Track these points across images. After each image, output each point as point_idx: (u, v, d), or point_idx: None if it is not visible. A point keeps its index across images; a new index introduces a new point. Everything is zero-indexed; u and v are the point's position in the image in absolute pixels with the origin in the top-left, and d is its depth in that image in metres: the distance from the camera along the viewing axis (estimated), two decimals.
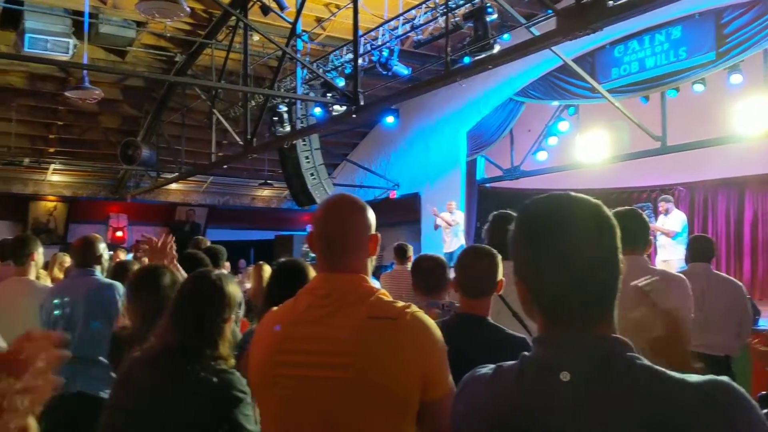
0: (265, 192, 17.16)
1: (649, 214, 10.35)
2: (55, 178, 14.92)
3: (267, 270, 6.26)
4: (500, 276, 2.56)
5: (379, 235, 1.79)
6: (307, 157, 11.29)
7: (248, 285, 8.62)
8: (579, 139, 11.74)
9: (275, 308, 1.82)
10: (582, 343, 1.14)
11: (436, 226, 11.66)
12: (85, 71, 9.28)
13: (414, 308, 1.65)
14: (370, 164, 15.36)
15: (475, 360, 1.63)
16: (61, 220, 15.64)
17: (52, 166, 14.25)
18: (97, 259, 3.61)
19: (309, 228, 16.08)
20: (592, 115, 11.65)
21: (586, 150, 11.30)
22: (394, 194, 14.74)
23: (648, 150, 10.12)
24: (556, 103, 12.14)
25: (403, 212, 15.13)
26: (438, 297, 3.24)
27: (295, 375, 1.62)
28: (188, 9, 5.52)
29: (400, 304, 1.66)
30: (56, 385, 0.90)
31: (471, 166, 13.09)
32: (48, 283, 4.28)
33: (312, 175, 11.39)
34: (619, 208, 3.28)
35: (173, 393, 2.00)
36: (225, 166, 12.35)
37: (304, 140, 11.03)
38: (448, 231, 11.34)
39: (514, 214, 3.82)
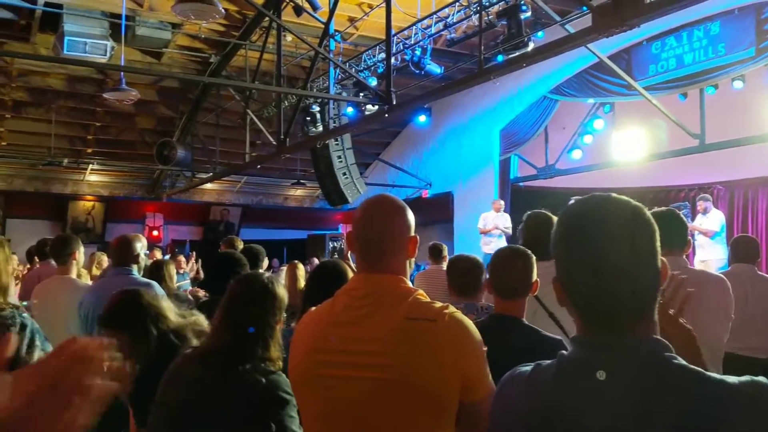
0: (298, 191, 17.27)
1: (686, 213, 10.17)
2: (93, 178, 15.20)
3: (301, 269, 6.30)
4: (535, 277, 2.53)
5: (417, 237, 1.77)
6: (339, 157, 11.32)
7: (282, 284, 8.72)
8: (615, 137, 11.59)
9: (314, 308, 1.82)
10: (618, 344, 1.14)
11: (485, 231, 11.45)
12: (122, 73, 9.41)
13: (452, 309, 1.64)
14: (402, 163, 15.34)
15: (510, 361, 1.61)
16: (99, 219, 15.93)
17: (90, 167, 14.50)
18: (135, 258, 3.66)
19: (342, 228, 16.20)
20: (629, 113, 11.48)
21: (621, 148, 11.15)
22: (427, 193, 14.70)
23: (686, 148, 9.93)
24: (591, 100, 11.98)
25: (436, 211, 15.07)
26: (474, 298, 3.21)
27: (336, 375, 1.63)
28: (223, 10, 5.57)
29: (438, 304, 1.65)
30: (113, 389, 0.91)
31: (504, 165, 12.98)
32: (88, 281, 4.35)
33: (344, 174, 11.41)
34: (655, 209, 3.22)
35: (223, 392, 2.03)
36: (258, 166, 12.43)
37: (336, 140, 11.05)
38: (495, 232, 11.15)
39: (549, 213, 3.81)
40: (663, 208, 3.00)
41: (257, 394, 2.03)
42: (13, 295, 3.22)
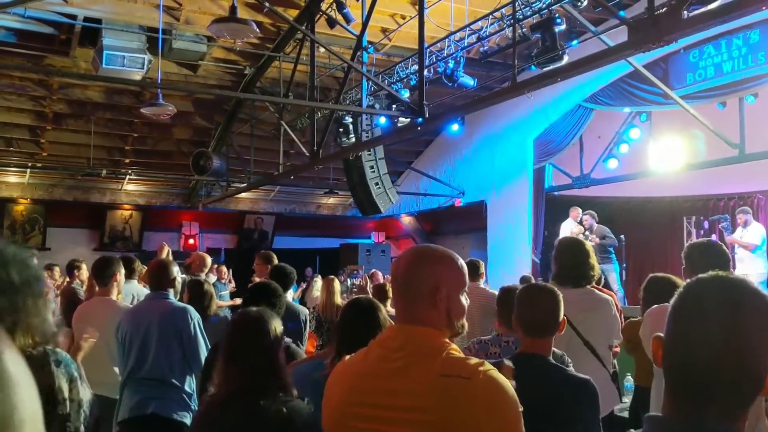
0: (331, 200, 17.34)
1: (726, 226, 9.98)
2: (131, 187, 15.46)
3: (336, 284, 6.36)
4: (562, 315, 2.49)
5: (450, 292, 1.70)
6: (371, 167, 11.34)
7: (316, 294, 8.76)
8: (652, 146, 11.42)
9: (347, 358, 1.82)
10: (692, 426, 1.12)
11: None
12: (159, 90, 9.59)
13: (487, 366, 1.61)
14: (435, 172, 15.30)
15: (537, 401, 1.60)
16: (136, 227, 16.20)
17: (128, 176, 14.76)
18: (171, 282, 3.71)
19: (375, 236, 16.18)
20: (666, 122, 11.31)
21: (659, 157, 10.98)
22: (459, 202, 14.64)
23: (726, 158, 9.75)
24: (627, 109, 11.83)
25: (469, 220, 15.03)
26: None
27: (369, 428, 1.62)
28: (257, 29, 5.63)
29: (474, 361, 1.62)
30: None
31: (539, 174, 12.87)
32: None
33: (377, 184, 11.43)
34: (696, 241, 3.17)
35: (250, 428, 2.10)
36: (291, 177, 12.53)
37: (369, 150, 11.08)
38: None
39: (580, 238, 3.79)
40: (704, 239, 2.96)
41: (281, 424, 2.10)
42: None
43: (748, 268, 9.03)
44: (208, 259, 6.31)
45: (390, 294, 5.95)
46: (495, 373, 1.61)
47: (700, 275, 1.22)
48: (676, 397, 1.16)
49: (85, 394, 2.33)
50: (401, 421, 1.58)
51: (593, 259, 3.48)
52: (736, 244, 9.36)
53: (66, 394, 2.24)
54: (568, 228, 11.22)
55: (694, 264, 2.93)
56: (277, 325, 2.27)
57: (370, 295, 6.82)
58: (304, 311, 4.75)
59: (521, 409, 1.61)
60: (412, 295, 1.70)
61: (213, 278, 9.69)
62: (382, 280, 10.22)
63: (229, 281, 10.60)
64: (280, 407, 2.11)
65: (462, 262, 1.76)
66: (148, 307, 3.35)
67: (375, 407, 1.63)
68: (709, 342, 1.12)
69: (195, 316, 3.36)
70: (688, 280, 1.24)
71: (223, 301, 8.84)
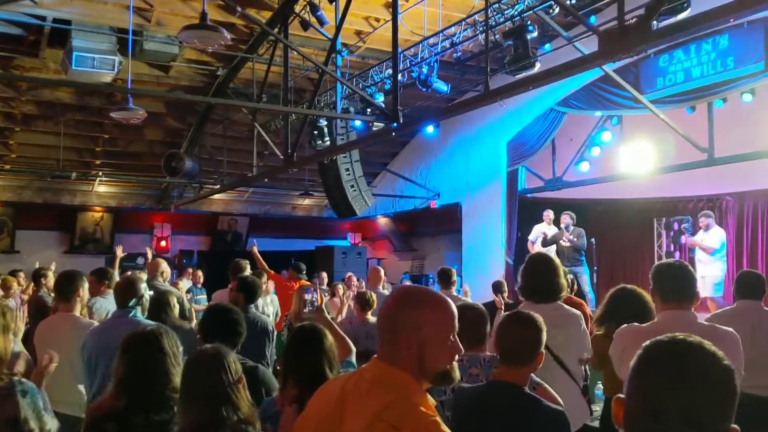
0: (306, 201, 17.27)
1: (687, 227, 10.15)
2: (102, 189, 15.25)
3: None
4: (541, 348, 2.49)
5: (422, 337, 1.65)
6: (347, 169, 11.31)
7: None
8: (622, 149, 11.54)
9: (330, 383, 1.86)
10: None
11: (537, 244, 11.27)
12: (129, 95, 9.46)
13: (432, 429, 1.53)
14: (411, 174, 15.32)
15: (507, 430, 1.60)
16: (108, 230, 16.01)
17: (98, 178, 14.56)
18: (138, 300, 3.66)
19: (351, 237, 16.18)
20: (637, 126, 11.44)
21: (629, 161, 11.11)
22: (435, 204, 14.68)
23: (694, 162, 9.90)
24: (598, 113, 11.96)
25: (444, 222, 15.10)
26: (478, 349, 3.15)
27: None
28: (227, 36, 5.58)
29: (423, 417, 1.54)
30: None
31: (512, 177, 12.95)
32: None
33: (352, 186, 11.41)
34: (664, 262, 3.21)
35: None
36: (266, 180, 12.46)
37: (344, 152, 11.06)
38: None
39: (549, 255, 3.79)
40: (672, 260, 3.00)
41: None
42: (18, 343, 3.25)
43: (707, 270, 9.28)
44: (163, 264, 6.17)
45: (374, 304, 5.94)
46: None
47: (659, 338, 1.23)
48: None
49: (53, 423, 2.30)
50: None
51: (561, 277, 3.51)
52: (697, 246, 9.57)
53: (32, 425, 2.21)
54: (540, 230, 11.31)
55: (662, 285, 2.96)
56: (234, 360, 2.26)
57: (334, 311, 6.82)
58: (264, 322, 4.71)
59: None
60: (383, 335, 1.69)
61: (188, 284, 9.60)
62: (355, 282, 10.21)
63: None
64: None
65: (451, 308, 1.71)
66: (114, 326, 3.29)
67: None
68: (669, 413, 1.14)
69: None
70: (648, 343, 1.24)
71: (201, 305, 8.75)
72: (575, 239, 10.56)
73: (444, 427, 1.54)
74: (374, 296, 6.11)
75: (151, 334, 2.54)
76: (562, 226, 10.64)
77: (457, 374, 1.69)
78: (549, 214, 11.32)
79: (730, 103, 10.03)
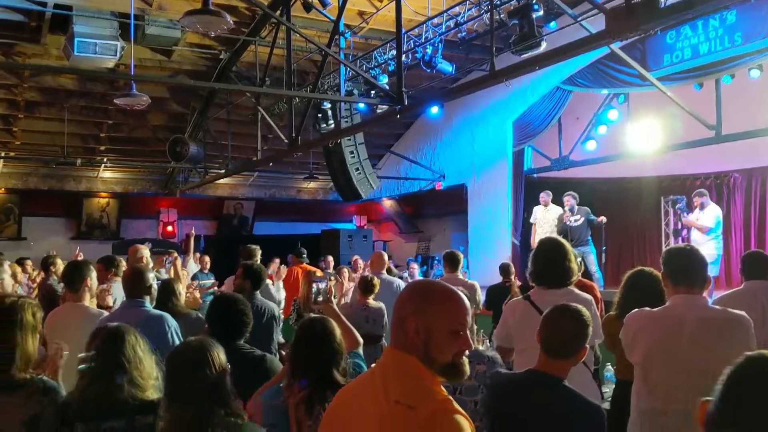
0: (311, 184, 17.24)
1: (682, 207, 10.09)
2: (107, 174, 15.26)
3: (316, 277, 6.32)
4: (586, 342, 2.48)
5: (421, 324, 1.68)
6: (351, 152, 11.26)
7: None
8: (629, 127, 11.45)
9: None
10: None
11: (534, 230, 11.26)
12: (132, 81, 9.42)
13: (445, 404, 1.57)
14: (415, 155, 15.26)
15: (547, 423, 1.59)
16: (114, 215, 16.02)
17: (103, 164, 14.55)
18: (147, 290, 3.66)
19: (356, 220, 16.17)
20: (644, 103, 11.33)
21: (637, 139, 11.03)
22: (440, 185, 14.63)
23: (702, 139, 9.80)
24: (605, 91, 11.82)
25: (450, 203, 15.05)
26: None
27: None
28: (230, 21, 5.52)
29: (435, 395, 1.59)
30: None
31: (518, 157, 12.87)
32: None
33: (357, 170, 11.36)
34: (674, 246, 3.18)
35: None
36: (270, 164, 12.43)
37: (348, 136, 11.00)
38: (550, 230, 10.88)
39: (560, 239, 3.75)
40: (683, 245, 2.98)
41: None
42: None
43: (702, 250, 9.16)
44: (142, 251, 5.92)
45: (376, 288, 5.93)
46: (449, 412, 1.56)
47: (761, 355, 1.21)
48: None
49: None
50: None
51: (571, 262, 3.48)
52: (692, 226, 9.50)
53: (53, 422, 2.22)
54: (539, 213, 11.20)
55: (673, 269, 2.93)
56: (220, 354, 2.22)
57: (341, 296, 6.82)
58: (271, 309, 4.70)
59: None
60: (395, 322, 1.73)
61: (195, 268, 9.59)
62: (361, 265, 10.18)
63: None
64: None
65: (461, 302, 1.72)
66: (122, 316, 3.28)
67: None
68: None
69: (172, 323, 3.32)
70: (747, 359, 1.21)
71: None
72: (582, 219, 10.49)
73: (456, 405, 1.58)
74: (376, 281, 6.11)
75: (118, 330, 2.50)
76: (567, 208, 10.56)
77: (466, 369, 1.70)
78: (545, 196, 11.25)
79: (738, 79, 9.91)
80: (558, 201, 11.05)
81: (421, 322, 1.66)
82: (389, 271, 8.12)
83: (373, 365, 1.81)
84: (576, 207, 10.55)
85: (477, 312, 6.29)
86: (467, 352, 1.69)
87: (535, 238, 10.96)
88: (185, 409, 2.10)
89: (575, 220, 10.50)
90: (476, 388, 3.02)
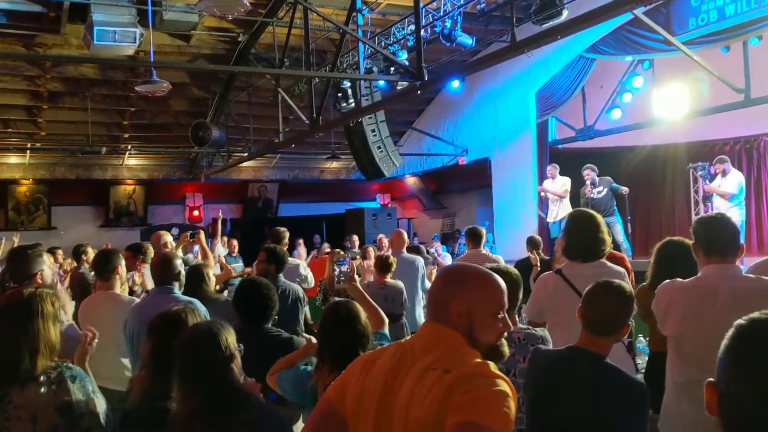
0: (334, 164, 17.24)
1: (704, 174, 9.88)
2: (132, 162, 15.40)
3: (340, 257, 6.32)
4: (630, 319, 2.45)
5: (494, 319, 1.72)
6: (373, 131, 11.20)
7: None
8: (655, 94, 11.25)
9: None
10: None
11: (544, 200, 11.21)
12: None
13: (483, 368, 1.57)
14: (437, 131, 15.15)
15: (590, 401, 1.57)
16: (141, 202, 16.20)
17: (128, 152, 14.67)
18: (176, 276, 3.69)
19: (380, 198, 16.14)
20: (669, 69, 11.10)
21: (663, 106, 10.83)
22: (463, 160, 14.53)
23: (731, 103, 9.59)
24: (629, 58, 11.58)
25: (474, 178, 14.96)
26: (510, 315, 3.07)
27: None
28: (247, 3, 5.48)
29: (474, 362, 1.60)
30: None
31: (542, 128, 12.71)
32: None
33: (379, 148, 11.31)
34: (704, 215, 3.10)
35: None
36: (292, 145, 12.43)
37: (369, 114, 10.95)
38: (555, 200, 10.85)
39: (590, 211, 3.68)
40: (713, 213, 2.90)
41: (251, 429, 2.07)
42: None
43: None
44: (165, 237, 5.86)
45: (393, 267, 5.92)
46: (486, 375, 1.54)
47: (756, 318, 1.12)
48: None
49: (101, 405, 2.34)
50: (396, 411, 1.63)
51: (604, 233, 3.43)
52: (714, 193, 9.32)
53: (84, 409, 2.25)
54: (547, 186, 11.04)
55: (704, 239, 2.87)
56: (229, 337, 2.20)
57: (367, 274, 6.81)
58: (295, 290, 4.72)
59: (507, 408, 1.50)
60: (435, 304, 1.76)
61: (224, 251, 9.66)
62: (386, 243, 10.17)
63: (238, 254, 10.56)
64: (243, 415, 2.08)
65: (500, 285, 1.74)
66: (153, 303, 3.31)
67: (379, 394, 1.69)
68: None
69: (201, 308, 3.33)
70: (741, 323, 1.13)
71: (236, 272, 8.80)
72: (605, 189, 10.33)
73: (495, 368, 1.57)
74: (392, 259, 6.10)
75: (175, 314, 2.52)
76: (588, 182, 10.41)
77: (506, 350, 1.73)
78: (551, 168, 11.10)
79: (766, 40, 9.66)
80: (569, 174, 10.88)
81: (464, 306, 1.68)
82: (417, 250, 8.10)
83: (405, 338, 1.80)
84: (597, 179, 10.39)
85: None
86: (506, 334, 1.72)
87: (552, 211, 10.87)
88: (194, 393, 2.10)
89: (598, 192, 10.35)
90: None
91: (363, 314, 2.71)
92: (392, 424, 1.61)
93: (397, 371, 1.67)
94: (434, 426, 1.49)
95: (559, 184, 10.82)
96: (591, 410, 2.25)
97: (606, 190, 10.32)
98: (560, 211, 10.55)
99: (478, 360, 1.61)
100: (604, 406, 2.24)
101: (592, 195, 10.31)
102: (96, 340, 2.69)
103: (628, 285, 2.54)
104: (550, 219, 10.84)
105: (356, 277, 3.17)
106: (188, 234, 6.03)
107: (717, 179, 9.48)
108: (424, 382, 1.57)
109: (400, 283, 6.00)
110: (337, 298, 3.23)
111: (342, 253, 4.14)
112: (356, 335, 2.62)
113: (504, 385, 1.51)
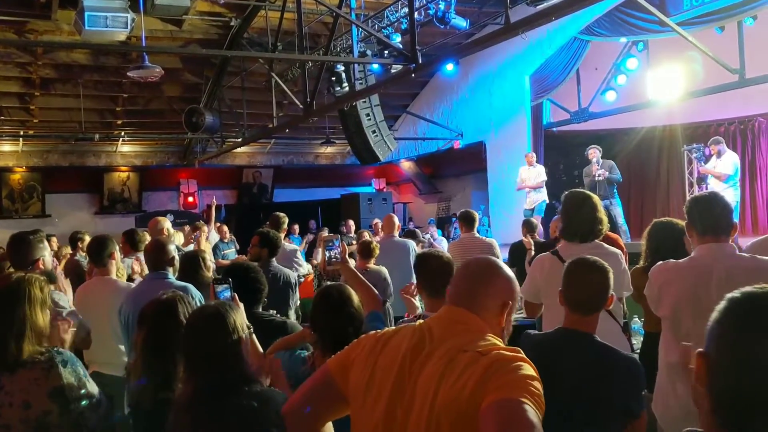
0: (328, 149, 17.19)
1: (699, 156, 9.87)
2: (126, 148, 15.33)
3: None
4: (611, 291, 2.46)
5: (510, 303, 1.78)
6: (367, 115, 11.16)
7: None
8: (650, 75, 11.22)
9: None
10: None
11: (520, 188, 11.19)
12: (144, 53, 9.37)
13: (517, 353, 1.59)
14: (432, 114, 15.11)
15: (583, 379, 1.58)
16: (135, 189, 16.14)
17: (121, 138, 14.60)
18: (170, 261, 3.68)
19: (375, 183, 16.06)
20: (664, 50, 11.09)
21: (658, 87, 10.80)
22: (458, 144, 14.50)
23: (725, 84, 9.57)
24: (623, 39, 11.56)
25: (469, 162, 14.94)
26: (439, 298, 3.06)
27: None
28: None
29: (507, 348, 1.62)
30: None
31: (537, 111, 12.70)
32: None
33: (374, 132, 11.27)
34: (698, 194, 3.10)
35: (220, 429, 2.03)
36: (287, 130, 12.38)
37: (363, 98, 10.90)
38: (526, 189, 10.83)
39: (586, 192, 3.67)
40: (706, 192, 2.89)
41: (253, 417, 2.03)
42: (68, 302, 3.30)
43: None
44: (163, 224, 5.90)
45: (376, 252, 5.89)
46: (519, 359, 1.56)
47: (751, 291, 1.11)
48: (731, 423, 1.07)
49: (93, 389, 2.34)
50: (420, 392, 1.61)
51: (601, 213, 3.43)
52: (709, 174, 9.32)
53: (77, 393, 2.25)
54: (524, 173, 10.97)
55: (697, 219, 2.87)
56: (237, 318, 2.18)
57: (353, 264, 6.80)
58: (287, 275, 4.72)
59: (539, 390, 1.52)
60: (469, 292, 1.76)
61: (216, 238, 9.63)
62: (380, 228, 10.17)
63: (231, 240, 10.53)
64: (250, 402, 2.05)
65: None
66: (148, 289, 3.30)
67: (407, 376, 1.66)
68: None
69: (197, 294, 3.34)
70: (735, 296, 1.12)
71: (227, 260, 8.78)
72: (608, 172, 10.29)
73: (524, 355, 1.59)
74: (375, 245, 6.08)
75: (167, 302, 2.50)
76: (593, 160, 10.35)
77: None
78: (530, 156, 11.06)
79: (761, 20, 9.64)
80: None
81: (500, 299, 1.75)
82: (413, 234, 8.09)
83: (422, 321, 1.79)
84: (601, 159, 10.36)
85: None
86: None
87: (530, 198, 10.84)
88: (200, 376, 2.09)
89: (600, 174, 10.32)
90: None
91: (356, 297, 2.69)
92: (411, 406, 1.61)
93: (417, 354, 1.67)
94: (468, 407, 1.50)
95: (534, 173, 10.81)
96: (588, 390, 2.26)
97: (607, 173, 10.29)
98: (539, 196, 10.63)
99: (507, 347, 1.64)
100: (600, 384, 2.26)
101: (597, 175, 10.24)
102: (73, 329, 2.68)
103: (600, 260, 2.54)
104: (527, 206, 10.80)
105: (347, 258, 3.15)
106: (187, 230, 6.10)
107: (712, 160, 9.47)
108: (455, 364, 1.57)
109: (384, 270, 5.93)
110: (329, 283, 3.22)
111: (331, 235, 4.13)
112: (348, 318, 2.61)
113: (532, 370, 1.55)
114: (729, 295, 1.13)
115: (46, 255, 3.46)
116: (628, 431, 2.39)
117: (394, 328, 1.86)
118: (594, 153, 10.28)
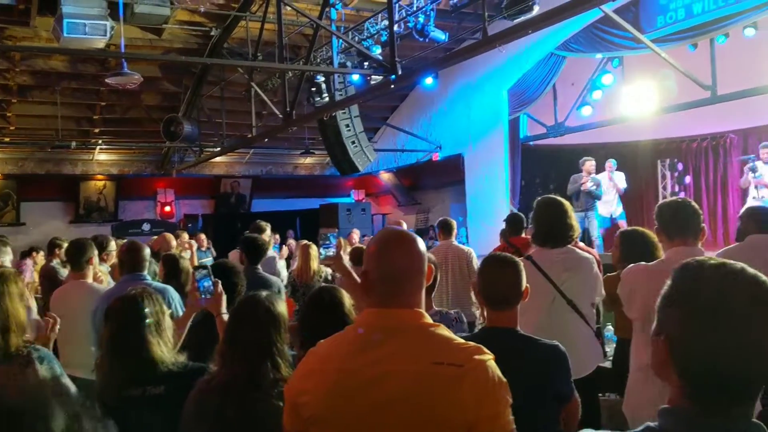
0: (308, 160, 17.19)
1: (753, 167, 9.85)
2: (102, 157, 15.21)
3: (313, 250, 6.35)
4: (525, 284, 2.50)
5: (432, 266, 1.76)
6: (347, 125, 11.23)
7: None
8: (625, 91, 11.40)
9: (323, 342, 1.74)
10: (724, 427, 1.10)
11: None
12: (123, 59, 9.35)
13: (484, 354, 1.59)
14: (411, 127, 15.21)
15: (511, 372, 1.62)
16: (111, 197, 16.01)
17: (98, 146, 14.50)
18: (146, 264, 3.68)
19: (354, 194, 15.96)
20: (638, 66, 11.26)
21: (632, 103, 10.98)
22: (437, 156, 14.61)
23: (698, 100, 9.77)
24: (599, 55, 11.75)
25: (447, 174, 15.04)
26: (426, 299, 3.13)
27: (359, 413, 1.58)
28: None
29: (467, 345, 1.61)
30: None
31: (514, 125, 12.84)
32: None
33: (353, 143, 11.34)
34: (666, 200, 3.19)
35: (245, 422, 2.05)
36: (266, 139, 12.39)
37: (343, 109, 10.96)
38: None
39: (560, 198, 3.74)
40: (674, 198, 2.98)
41: (277, 419, 2.01)
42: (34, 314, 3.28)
43: None
44: (173, 241, 6.24)
45: None
46: (489, 361, 1.59)
47: (705, 266, 1.15)
48: (701, 399, 1.11)
49: (70, 386, 2.34)
50: (389, 406, 1.55)
51: (572, 219, 3.50)
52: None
53: (53, 389, 2.25)
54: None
55: (666, 223, 2.95)
56: (284, 312, 2.21)
57: (347, 261, 6.83)
58: (275, 283, 4.73)
59: (510, 398, 1.59)
60: (408, 278, 1.68)
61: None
62: (356, 239, 10.20)
63: (208, 248, 10.52)
64: (278, 401, 2.01)
65: None
66: (123, 290, 3.29)
67: (363, 394, 1.58)
68: (743, 347, 1.06)
69: (175, 296, 3.34)
70: (678, 266, 1.18)
71: None
72: (594, 188, 10.42)
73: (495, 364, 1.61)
74: None
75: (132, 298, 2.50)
76: (588, 175, 10.48)
77: None
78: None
79: (733, 38, 9.85)
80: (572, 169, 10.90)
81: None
82: None
83: (348, 326, 1.76)
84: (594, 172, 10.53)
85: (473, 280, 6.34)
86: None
87: None
88: (240, 365, 2.10)
89: (587, 188, 10.43)
90: None
91: (348, 301, 2.68)
92: (397, 424, 1.55)
93: (362, 364, 1.59)
94: (469, 421, 1.52)
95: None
96: (519, 382, 2.30)
97: (596, 188, 10.43)
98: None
99: (471, 344, 1.62)
100: (529, 375, 2.29)
101: (590, 186, 10.33)
102: (58, 326, 2.68)
103: (510, 255, 2.60)
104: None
105: (342, 254, 3.14)
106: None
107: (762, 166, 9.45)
108: (438, 380, 1.53)
109: None
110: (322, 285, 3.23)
111: (327, 230, 4.14)
112: (339, 320, 2.62)
113: (503, 379, 1.61)
114: (672, 269, 1.18)
115: (6, 261, 3.45)
116: (564, 416, 2.45)
117: (323, 340, 1.76)
118: (591, 166, 10.43)
